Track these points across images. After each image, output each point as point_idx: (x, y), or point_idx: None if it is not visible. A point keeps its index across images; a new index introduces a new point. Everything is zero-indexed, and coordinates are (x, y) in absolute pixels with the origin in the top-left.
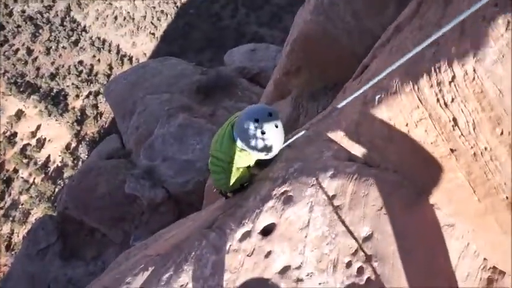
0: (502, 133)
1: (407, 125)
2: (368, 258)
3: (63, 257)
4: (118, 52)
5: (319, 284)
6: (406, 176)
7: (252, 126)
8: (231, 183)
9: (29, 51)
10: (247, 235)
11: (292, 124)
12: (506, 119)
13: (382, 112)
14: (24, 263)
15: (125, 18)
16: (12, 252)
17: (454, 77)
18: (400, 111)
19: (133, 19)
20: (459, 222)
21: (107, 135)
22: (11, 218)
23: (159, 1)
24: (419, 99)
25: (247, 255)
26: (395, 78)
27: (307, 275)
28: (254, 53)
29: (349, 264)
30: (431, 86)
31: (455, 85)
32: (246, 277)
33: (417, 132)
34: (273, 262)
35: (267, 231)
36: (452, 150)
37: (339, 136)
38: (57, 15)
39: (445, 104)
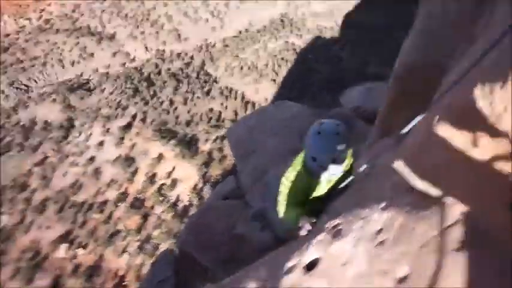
0: None
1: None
2: None
3: None
4: (243, 99)
5: None
6: (465, 210)
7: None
8: (281, 201)
9: (171, 102)
10: (291, 269)
11: None
12: None
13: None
14: None
15: (249, 68)
16: (140, 284)
17: None
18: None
19: (256, 68)
20: None
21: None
22: (143, 251)
23: (280, 49)
24: None
25: None
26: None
27: None
28: (371, 92)
29: None
30: None
31: None
32: None
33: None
34: None
35: (311, 266)
36: None
37: (400, 165)
38: (194, 69)
39: None
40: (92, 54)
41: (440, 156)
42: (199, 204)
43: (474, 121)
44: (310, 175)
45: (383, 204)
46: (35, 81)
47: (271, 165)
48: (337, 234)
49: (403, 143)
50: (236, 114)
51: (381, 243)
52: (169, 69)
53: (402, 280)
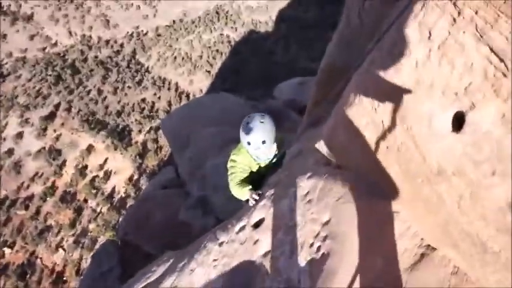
0: (407, 128)
1: (359, 130)
2: (324, 238)
3: (122, 280)
4: (177, 89)
5: (289, 261)
6: (362, 172)
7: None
8: (230, 180)
9: (100, 92)
10: (243, 228)
11: None
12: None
13: (345, 118)
14: (89, 285)
15: (183, 58)
16: (81, 277)
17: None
18: (354, 119)
19: (190, 59)
20: (403, 209)
21: None
22: (80, 245)
23: (215, 41)
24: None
25: (241, 244)
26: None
27: (281, 254)
28: (302, 86)
29: (312, 245)
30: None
31: None
32: (239, 260)
33: (367, 136)
34: (259, 248)
35: (258, 224)
36: (387, 147)
37: (320, 145)
38: (124, 58)
39: (375, 110)
40: (4, 36)
41: (344, 136)
42: (137, 195)
43: (364, 109)
44: (251, 157)
45: (308, 175)
46: None
47: (208, 156)
48: (275, 199)
49: (323, 128)
50: (170, 104)
51: (309, 201)
52: (96, 56)
53: (326, 223)
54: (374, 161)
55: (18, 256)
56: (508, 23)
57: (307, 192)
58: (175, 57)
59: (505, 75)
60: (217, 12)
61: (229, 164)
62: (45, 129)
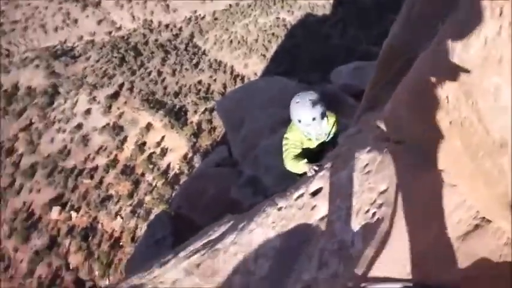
0: (472, 103)
1: (422, 106)
2: (380, 206)
3: (174, 248)
4: (232, 72)
5: (345, 225)
6: (422, 148)
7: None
8: (285, 156)
9: (159, 73)
10: (301, 195)
11: None
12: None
13: (409, 95)
14: (143, 251)
15: (239, 42)
16: (136, 243)
17: None
18: (418, 95)
19: (246, 42)
20: (461, 183)
21: None
22: (136, 215)
23: (271, 24)
24: None
25: (299, 209)
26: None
27: (337, 219)
28: (359, 70)
29: (367, 211)
30: None
31: None
32: (297, 222)
33: (430, 112)
34: (316, 212)
35: (316, 192)
36: (450, 122)
37: (381, 121)
38: (182, 41)
39: (441, 87)
40: (75, 21)
41: (406, 112)
42: (190, 172)
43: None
44: (302, 134)
45: (368, 149)
46: (16, 45)
47: (260, 137)
48: (334, 170)
49: (385, 105)
50: (225, 87)
51: (367, 172)
52: (157, 40)
53: (382, 192)
54: (435, 136)
55: (82, 220)
56: None
57: (366, 164)
58: (231, 41)
59: None
60: None
61: (283, 142)
62: (110, 107)
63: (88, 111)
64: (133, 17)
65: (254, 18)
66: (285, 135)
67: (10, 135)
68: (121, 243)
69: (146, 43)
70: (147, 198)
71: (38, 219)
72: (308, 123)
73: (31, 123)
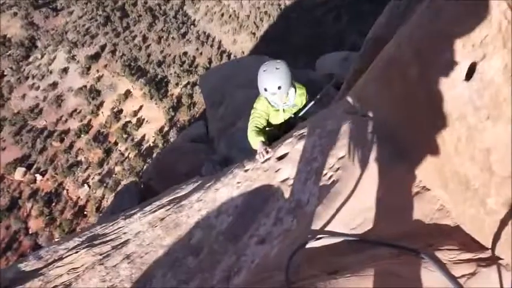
0: (429, 78)
1: (388, 81)
2: (337, 169)
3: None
4: (219, 47)
5: (303, 187)
6: (383, 120)
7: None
8: (249, 125)
9: (144, 39)
10: (268, 159)
11: None
12: None
13: (377, 71)
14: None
15: (230, 16)
16: (101, 214)
17: None
18: (385, 71)
19: (237, 17)
20: (412, 152)
21: None
22: (104, 184)
23: (265, 2)
24: None
25: (264, 171)
26: None
27: (297, 180)
28: (346, 61)
29: (325, 174)
30: None
31: None
32: (260, 183)
33: (394, 87)
34: (279, 175)
35: (282, 157)
36: (408, 96)
37: (351, 96)
38: (172, 8)
39: (407, 63)
40: None
41: (373, 87)
42: (164, 147)
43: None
44: (269, 103)
45: (334, 119)
46: None
47: (239, 116)
48: (301, 138)
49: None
50: (210, 62)
51: (330, 139)
52: (146, 2)
53: (341, 158)
54: (396, 110)
55: (47, 184)
56: None
57: (330, 132)
58: (222, 14)
59: None
60: None
61: (251, 111)
62: (88, 68)
63: (65, 70)
64: None
65: None
66: (254, 106)
67: None
68: (85, 212)
69: (135, 4)
70: (118, 168)
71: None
72: (273, 92)
73: (2, 75)
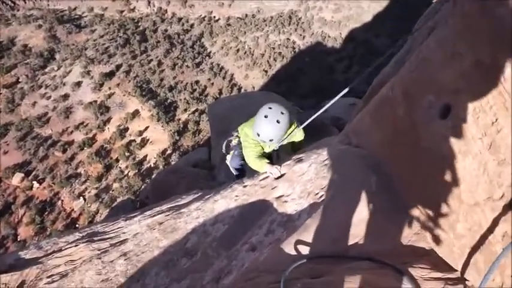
0: (412, 116)
1: (381, 117)
2: (327, 190)
3: None
4: (231, 80)
5: (296, 203)
6: (373, 150)
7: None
8: (247, 154)
9: (159, 63)
10: (266, 177)
11: None
12: None
13: (373, 108)
14: None
15: (245, 52)
16: None
17: None
18: (379, 109)
19: (252, 54)
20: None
21: None
22: (100, 199)
23: (280, 44)
24: None
25: (261, 187)
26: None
27: (291, 199)
28: (353, 107)
29: (317, 194)
30: None
31: None
32: (256, 198)
33: (385, 122)
34: (275, 192)
35: (279, 177)
36: (396, 131)
37: (348, 128)
38: (191, 38)
39: (398, 102)
40: None
41: (368, 122)
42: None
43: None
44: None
45: (330, 147)
46: (24, 0)
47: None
48: (299, 161)
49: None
50: (220, 93)
51: (325, 165)
52: (166, 30)
53: (332, 180)
54: (384, 145)
55: (43, 193)
56: None
57: (326, 159)
58: (238, 50)
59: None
60: (290, 17)
61: (242, 138)
62: (101, 85)
63: (78, 84)
64: (150, 2)
65: (266, 34)
66: (245, 130)
67: None
68: (77, 225)
69: (155, 31)
70: (115, 185)
71: None
72: (264, 141)
73: (17, 82)
